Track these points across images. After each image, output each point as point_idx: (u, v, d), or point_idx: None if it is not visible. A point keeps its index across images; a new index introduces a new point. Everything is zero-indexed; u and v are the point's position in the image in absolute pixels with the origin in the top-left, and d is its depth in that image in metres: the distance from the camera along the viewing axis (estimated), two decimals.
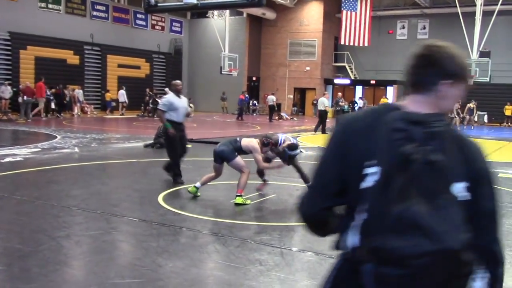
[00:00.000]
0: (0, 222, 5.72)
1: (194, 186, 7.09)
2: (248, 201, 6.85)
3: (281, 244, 5.07)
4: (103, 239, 5.09)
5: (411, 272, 1.31)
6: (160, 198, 6.98)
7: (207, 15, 33.11)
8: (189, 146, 13.84)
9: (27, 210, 6.20)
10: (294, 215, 6.34)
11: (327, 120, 19.67)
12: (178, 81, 8.64)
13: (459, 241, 1.32)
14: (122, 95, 28.10)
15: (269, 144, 7.02)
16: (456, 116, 25.74)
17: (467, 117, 26.26)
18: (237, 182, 6.94)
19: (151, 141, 13.33)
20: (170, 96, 8.31)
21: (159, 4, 8.04)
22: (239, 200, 6.74)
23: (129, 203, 6.73)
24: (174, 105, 8.05)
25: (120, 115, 27.31)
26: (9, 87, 22.60)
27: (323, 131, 19.31)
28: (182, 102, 8.29)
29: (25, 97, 21.74)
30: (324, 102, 19.78)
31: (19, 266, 4.27)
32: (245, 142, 7.00)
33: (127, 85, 29.52)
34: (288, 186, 8.30)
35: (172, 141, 8.15)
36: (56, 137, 14.62)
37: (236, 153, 6.93)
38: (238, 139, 7.07)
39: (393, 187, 1.33)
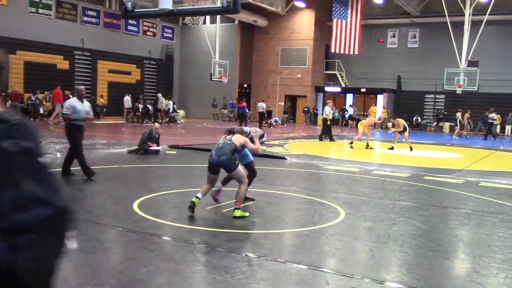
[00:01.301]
0: None
1: (197, 197, 6.59)
2: (247, 213, 6.51)
3: (250, 252, 5.03)
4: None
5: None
6: (135, 205, 6.92)
7: (194, 22, 33.09)
8: (173, 152, 13.87)
9: None
10: (269, 223, 6.32)
11: (330, 127, 20.16)
12: (81, 87, 9.58)
13: None
14: (127, 101, 28.22)
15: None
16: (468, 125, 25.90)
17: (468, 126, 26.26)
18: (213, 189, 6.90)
19: (135, 147, 13.28)
20: (73, 101, 9.09)
21: (135, 10, 8.03)
22: (237, 213, 6.39)
23: (103, 210, 6.67)
24: (76, 109, 8.84)
25: (126, 120, 27.44)
26: None
27: (331, 139, 19.61)
28: (84, 106, 9.03)
29: (9, 102, 21.76)
30: (326, 111, 20.05)
31: None
32: (236, 141, 6.70)
33: (117, 91, 29.52)
34: (267, 193, 8.26)
35: (76, 139, 9.01)
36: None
37: (236, 162, 6.64)
38: (229, 141, 6.69)
39: None
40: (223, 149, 6.57)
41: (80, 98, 9.08)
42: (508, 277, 4.61)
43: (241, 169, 6.71)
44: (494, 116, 26.55)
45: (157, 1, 7.41)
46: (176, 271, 4.43)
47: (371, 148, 17.48)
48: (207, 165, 6.70)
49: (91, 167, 9.05)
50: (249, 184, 7.19)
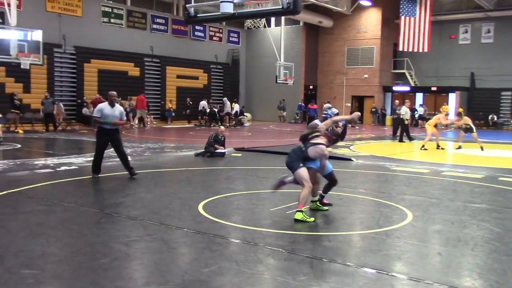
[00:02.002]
0: (44, 228, 5.95)
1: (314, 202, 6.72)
2: (311, 219, 6.31)
3: (312, 253, 4.97)
4: (136, 246, 5.19)
5: None
6: (200, 206, 7.04)
7: (259, 26, 33.28)
8: (239, 154, 14.00)
9: (71, 217, 6.43)
10: (332, 225, 6.22)
11: (407, 127, 19.94)
12: (113, 92, 9.58)
13: None
14: (204, 106, 28.95)
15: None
16: None
17: None
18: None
19: (202, 150, 13.53)
20: (103, 105, 9.34)
21: (198, 15, 8.18)
22: (299, 215, 6.22)
23: (169, 211, 6.83)
24: (103, 112, 9.18)
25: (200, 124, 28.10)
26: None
27: (410, 138, 19.33)
28: (113, 111, 9.27)
29: (91, 109, 22.97)
30: (404, 110, 19.87)
31: (52, 270, 4.42)
32: (312, 151, 6.53)
33: (185, 95, 30.24)
34: (331, 195, 8.13)
35: (98, 141, 9.51)
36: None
37: (300, 164, 6.47)
38: (303, 148, 6.56)
39: None
40: (294, 152, 6.60)
41: (111, 103, 9.33)
42: None
43: (303, 171, 6.47)
44: None
45: (218, 5, 7.54)
46: (238, 272, 4.45)
47: (442, 148, 16.85)
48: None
49: (133, 169, 9.53)
50: (327, 190, 7.13)
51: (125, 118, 9.77)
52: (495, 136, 24.29)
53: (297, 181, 6.61)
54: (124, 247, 5.11)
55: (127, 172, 9.63)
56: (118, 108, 9.47)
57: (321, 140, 6.60)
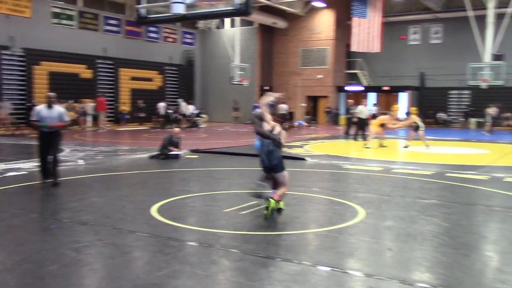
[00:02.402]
0: None
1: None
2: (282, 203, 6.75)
3: (266, 253, 4.99)
4: (87, 251, 5.08)
5: None
6: (154, 209, 6.96)
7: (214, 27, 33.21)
8: (194, 156, 13.92)
9: (19, 224, 6.23)
10: (286, 224, 6.27)
11: (364, 126, 19.96)
12: (50, 94, 9.23)
13: None
14: (163, 108, 28.44)
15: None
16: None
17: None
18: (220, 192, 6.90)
19: (157, 152, 13.38)
20: (40, 107, 8.98)
21: (149, 16, 8.09)
22: (273, 203, 6.52)
23: (122, 215, 6.72)
24: (40, 115, 8.78)
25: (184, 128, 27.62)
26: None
27: (364, 138, 19.60)
28: (51, 113, 8.86)
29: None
30: (359, 110, 20.10)
31: None
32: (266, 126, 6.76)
33: (140, 98, 29.81)
34: (285, 195, 8.20)
35: (39, 145, 9.09)
36: (63, 150, 14.75)
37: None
38: (271, 147, 6.72)
39: None
40: (275, 153, 6.72)
41: (49, 105, 8.89)
42: None
43: (287, 173, 6.88)
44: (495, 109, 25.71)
45: (170, 6, 7.47)
46: (191, 274, 4.43)
47: (385, 146, 17.13)
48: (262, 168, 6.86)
49: (58, 179, 8.98)
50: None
51: (66, 119, 9.24)
52: (443, 133, 25.09)
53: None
54: (74, 253, 4.99)
55: (80, 177, 9.41)
56: (57, 110, 8.99)
57: (278, 127, 6.78)
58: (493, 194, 8.56)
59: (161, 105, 28.77)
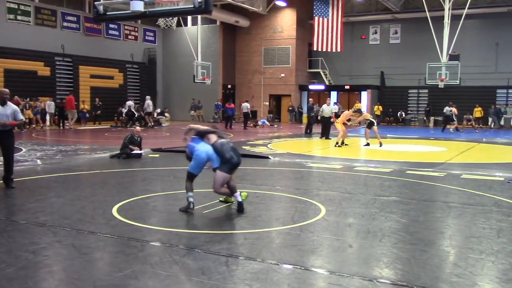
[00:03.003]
0: None
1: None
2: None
3: (227, 252, 4.99)
4: (44, 253, 4.96)
5: None
6: (115, 210, 6.86)
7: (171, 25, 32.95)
8: (156, 155, 13.78)
9: None
10: (248, 223, 6.28)
11: (329, 125, 20.34)
12: (5, 90, 8.66)
13: None
14: (131, 106, 27.93)
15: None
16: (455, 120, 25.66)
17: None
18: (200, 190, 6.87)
19: (117, 152, 13.18)
20: None
21: (107, 13, 7.94)
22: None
23: (81, 215, 6.58)
24: None
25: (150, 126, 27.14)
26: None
27: (327, 137, 19.75)
28: (4, 110, 8.36)
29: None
30: (325, 109, 20.43)
31: None
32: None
33: (100, 96, 29.29)
34: (248, 193, 8.22)
35: None
36: (21, 149, 14.36)
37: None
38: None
39: None
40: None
41: (2, 102, 8.37)
42: (485, 268, 4.63)
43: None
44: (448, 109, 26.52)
45: (128, 3, 7.36)
46: (152, 274, 4.38)
47: (346, 144, 17.35)
48: (232, 167, 6.81)
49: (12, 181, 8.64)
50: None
51: (20, 117, 8.80)
52: (403, 131, 25.67)
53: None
54: (32, 255, 4.87)
55: (38, 177, 9.17)
56: (11, 107, 8.51)
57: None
58: (450, 190, 8.81)
59: (129, 103, 28.36)
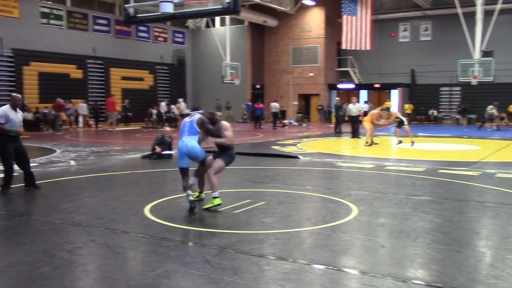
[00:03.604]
0: None
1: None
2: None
3: (259, 252, 4.99)
4: (79, 253, 5.05)
5: None
6: (147, 209, 6.94)
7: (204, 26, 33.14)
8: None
9: (10, 226, 6.19)
10: (279, 223, 6.26)
11: (358, 124, 20.25)
12: (17, 95, 8.56)
13: None
14: (163, 108, 28.40)
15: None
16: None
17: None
18: (226, 190, 6.90)
19: (149, 152, 13.33)
20: (5, 109, 8.21)
21: (137, 15, 8.05)
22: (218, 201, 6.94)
23: (115, 215, 6.68)
24: (9, 117, 8.11)
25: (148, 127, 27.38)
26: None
27: (357, 136, 19.67)
28: (17, 116, 8.29)
29: (53, 112, 23.68)
30: (351, 108, 20.41)
31: None
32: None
33: (131, 97, 29.66)
34: (279, 193, 8.22)
35: (5, 150, 8.23)
36: (55, 151, 14.68)
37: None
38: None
39: None
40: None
41: (14, 107, 8.28)
42: None
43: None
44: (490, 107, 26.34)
45: (158, 5, 7.44)
46: (185, 274, 4.41)
47: (375, 143, 17.08)
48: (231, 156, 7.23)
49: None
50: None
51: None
52: (435, 130, 25.24)
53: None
54: (67, 255, 4.96)
55: (72, 178, 9.35)
56: (20, 114, 8.46)
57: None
58: (485, 190, 8.62)
59: (162, 104, 28.82)
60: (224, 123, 7.19)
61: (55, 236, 5.69)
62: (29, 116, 24.10)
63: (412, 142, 16.43)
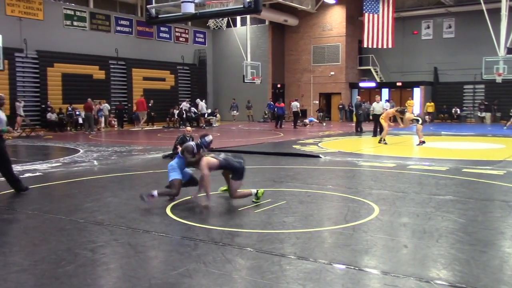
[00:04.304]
0: (7, 237, 5.81)
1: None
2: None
3: (280, 251, 4.98)
4: (102, 251, 5.10)
5: None
6: (168, 209, 6.99)
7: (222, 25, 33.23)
8: None
9: (35, 225, 6.29)
10: (300, 222, 6.24)
11: (376, 123, 20.09)
12: (1, 94, 8.48)
13: None
14: (202, 108, 28.82)
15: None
16: None
17: None
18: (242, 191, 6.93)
19: (170, 152, 13.41)
20: None
21: (159, 16, 8.11)
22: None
23: (136, 214, 6.74)
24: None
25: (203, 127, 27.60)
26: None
27: (378, 135, 19.53)
28: (3, 114, 8.21)
29: (83, 113, 24.36)
30: (375, 107, 20.42)
31: (15, 280, 4.31)
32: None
33: (153, 97, 29.88)
34: (299, 192, 8.19)
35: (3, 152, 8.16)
36: (78, 151, 14.88)
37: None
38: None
39: None
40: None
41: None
42: None
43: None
44: None
45: (179, 5, 7.49)
46: (206, 273, 4.43)
47: (385, 143, 16.81)
48: (242, 173, 7.31)
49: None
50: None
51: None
52: (458, 128, 24.87)
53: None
54: (90, 253, 5.02)
55: (94, 177, 9.46)
56: (2, 113, 8.35)
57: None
58: (510, 189, 8.46)
59: (184, 104, 29.02)
60: (204, 162, 7.18)
61: (78, 235, 5.76)
62: (53, 116, 24.49)
63: (421, 142, 16.12)
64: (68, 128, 25.23)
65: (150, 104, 29.17)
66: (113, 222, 6.27)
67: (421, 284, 4.10)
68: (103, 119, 26.44)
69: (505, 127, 24.54)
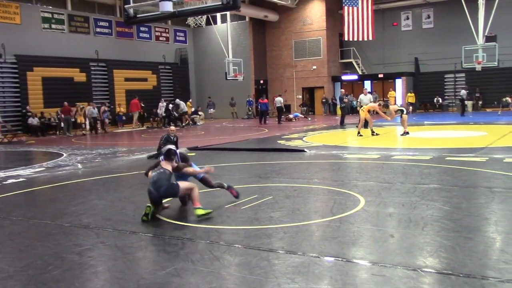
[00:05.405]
0: None
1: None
2: (209, 210, 6.40)
3: (268, 247, 4.99)
4: (89, 254, 5.07)
5: None
6: None
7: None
8: (192, 154, 13.89)
9: (20, 230, 6.22)
10: (287, 217, 6.26)
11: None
12: None
13: None
14: (184, 107, 28.70)
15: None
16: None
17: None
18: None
19: (155, 152, 13.34)
20: None
21: (138, 16, 8.06)
22: (199, 211, 6.28)
23: (123, 216, 6.70)
24: None
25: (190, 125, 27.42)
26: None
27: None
28: None
29: (62, 116, 24.05)
30: (363, 99, 20.42)
31: (1, 287, 4.26)
32: (168, 166, 6.75)
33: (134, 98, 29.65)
34: (286, 187, 8.21)
35: None
36: (62, 155, 14.74)
37: (175, 182, 6.71)
38: (162, 170, 6.66)
39: None
40: (160, 181, 6.44)
41: None
42: None
43: (184, 185, 6.60)
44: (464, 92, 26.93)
45: (158, 4, 7.44)
46: (194, 271, 4.42)
47: (361, 135, 16.91)
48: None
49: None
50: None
51: None
52: (440, 117, 25.13)
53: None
54: (77, 257, 4.98)
55: (79, 180, 9.37)
56: None
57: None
58: (493, 175, 8.57)
59: (162, 104, 28.83)
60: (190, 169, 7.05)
61: (65, 239, 5.71)
62: (34, 121, 24.20)
63: (405, 132, 16.23)
64: (58, 132, 24.87)
65: (143, 105, 29.00)
66: (99, 224, 6.23)
67: (408, 272, 4.14)
68: (107, 121, 26.10)
69: (499, 113, 25.18)
